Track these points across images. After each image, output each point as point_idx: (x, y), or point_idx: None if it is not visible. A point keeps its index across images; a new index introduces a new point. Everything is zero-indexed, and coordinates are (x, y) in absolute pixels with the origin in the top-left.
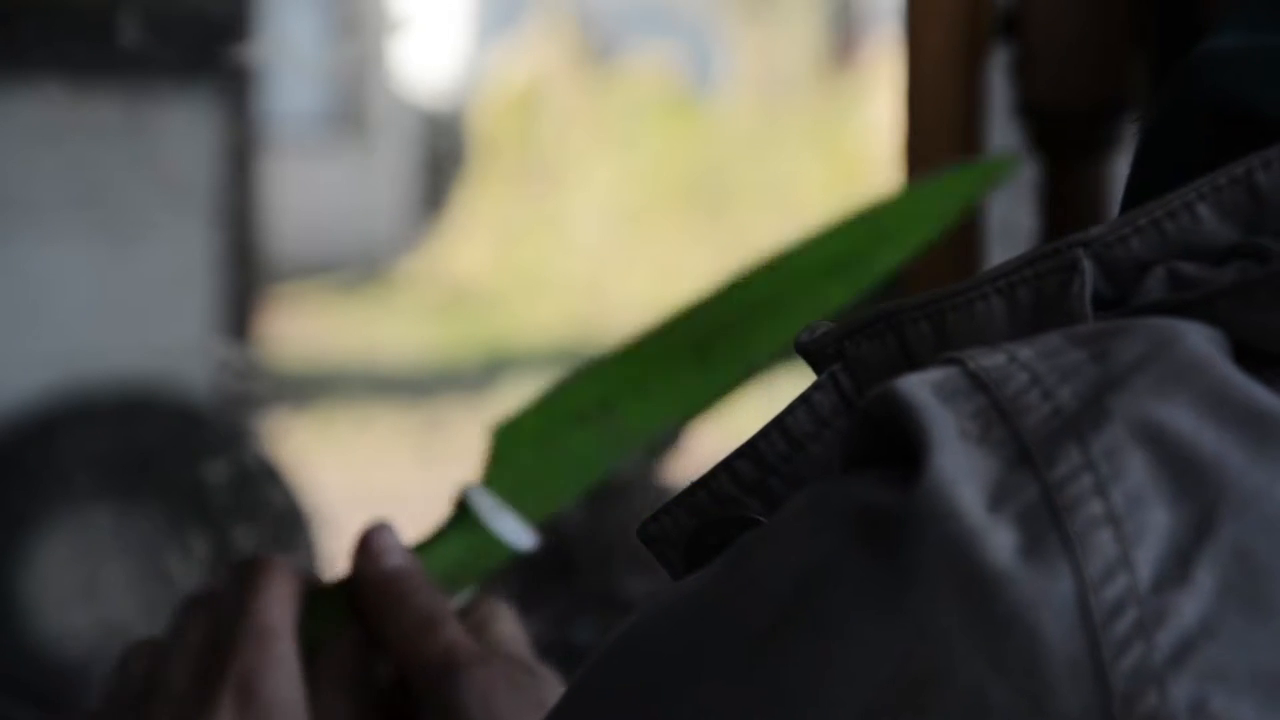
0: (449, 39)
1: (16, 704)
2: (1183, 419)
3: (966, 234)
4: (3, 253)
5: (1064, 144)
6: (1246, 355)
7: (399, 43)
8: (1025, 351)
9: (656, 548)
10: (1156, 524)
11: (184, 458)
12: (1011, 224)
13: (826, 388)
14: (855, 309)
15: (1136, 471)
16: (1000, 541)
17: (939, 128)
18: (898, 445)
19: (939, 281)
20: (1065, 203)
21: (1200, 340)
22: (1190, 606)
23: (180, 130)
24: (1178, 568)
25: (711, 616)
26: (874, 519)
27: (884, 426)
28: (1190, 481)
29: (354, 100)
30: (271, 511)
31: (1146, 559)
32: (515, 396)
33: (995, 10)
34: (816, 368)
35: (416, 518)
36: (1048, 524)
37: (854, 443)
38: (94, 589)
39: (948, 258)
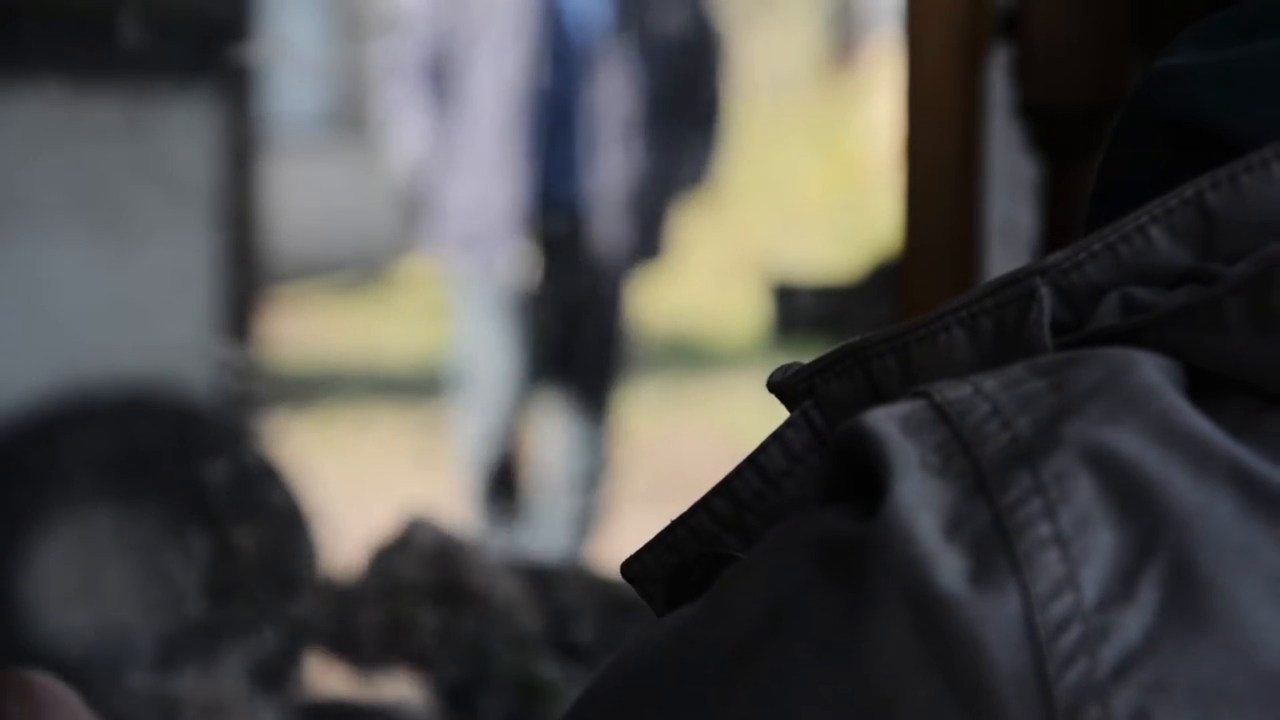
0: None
1: None
2: (1130, 443)
3: (966, 234)
4: (3, 253)
5: (1064, 144)
6: (1201, 380)
7: (399, 43)
8: (990, 383)
9: (639, 584)
10: (1102, 545)
11: (184, 458)
12: (1011, 224)
13: (799, 425)
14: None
15: (1084, 494)
16: (952, 566)
17: (939, 128)
18: (865, 477)
19: (940, 280)
20: (1065, 203)
21: (1151, 370)
22: (1134, 623)
23: (180, 130)
24: (1122, 586)
25: (689, 648)
26: (838, 549)
27: (852, 459)
28: (1135, 503)
29: (354, 100)
30: (271, 511)
31: (1092, 578)
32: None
33: (995, 10)
34: (789, 406)
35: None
36: (998, 547)
37: (828, 476)
38: (94, 589)
39: (948, 257)
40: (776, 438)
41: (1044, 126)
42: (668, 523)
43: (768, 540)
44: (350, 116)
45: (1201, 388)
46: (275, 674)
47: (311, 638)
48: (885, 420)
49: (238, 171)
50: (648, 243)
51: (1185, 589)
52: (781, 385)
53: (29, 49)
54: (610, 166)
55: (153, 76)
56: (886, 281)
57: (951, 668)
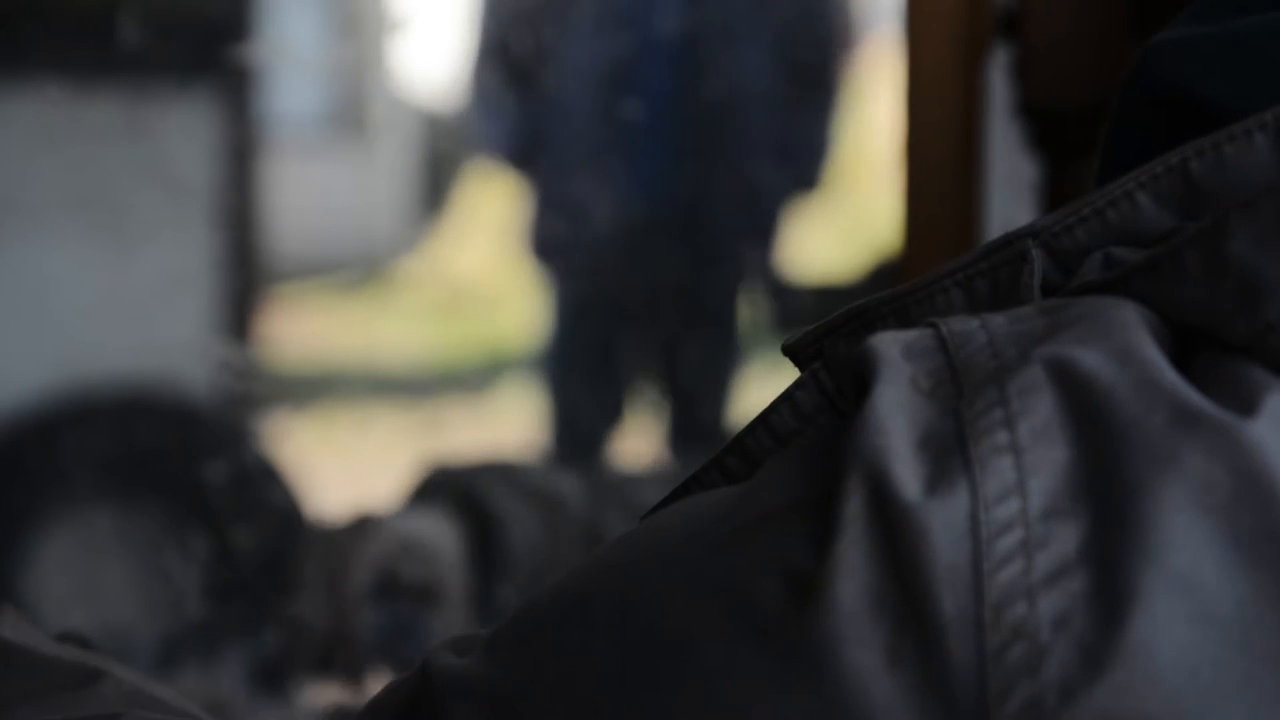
0: (449, 39)
1: None
2: (1090, 359)
3: (966, 234)
4: (3, 253)
5: (1064, 144)
6: (1181, 335)
7: (399, 43)
8: (998, 319)
9: None
10: (1055, 459)
11: (184, 458)
12: (1011, 224)
13: (808, 386)
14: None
15: (1045, 409)
16: (914, 472)
17: (939, 128)
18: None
19: None
20: (1065, 202)
21: (1129, 311)
22: (1072, 536)
23: (180, 130)
24: (1068, 501)
25: (706, 517)
26: (828, 449)
27: (859, 379)
28: (1089, 419)
29: (354, 100)
30: (271, 511)
31: (1040, 489)
32: (515, 397)
33: (995, 10)
34: (800, 368)
35: None
36: (955, 451)
37: (835, 416)
38: (94, 589)
39: (948, 257)
40: (787, 398)
41: (1044, 126)
42: (684, 480)
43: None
44: (350, 116)
45: (1179, 342)
46: (275, 674)
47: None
48: (891, 343)
49: (238, 171)
50: (761, 246)
51: (1117, 496)
52: (793, 348)
53: (29, 49)
54: (714, 169)
55: (153, 76)
56: (886, 281)
57: (896, 555)
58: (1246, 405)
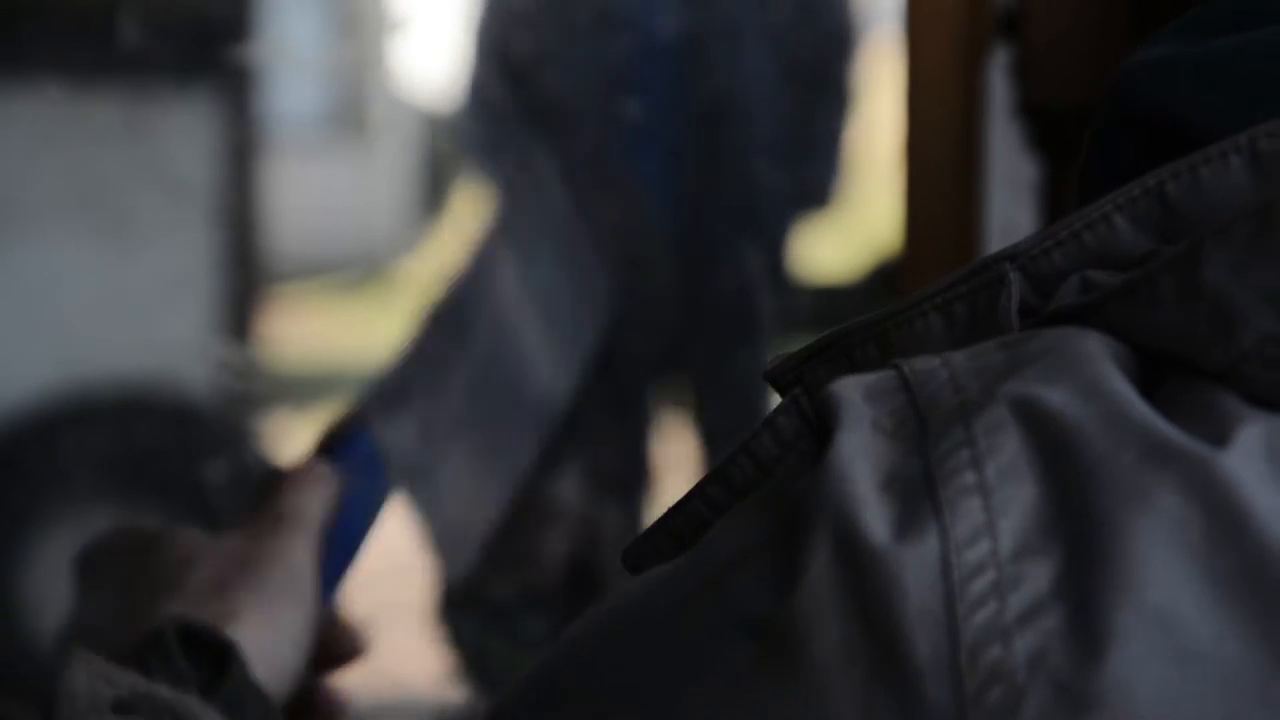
0: (449, 39)
1: (16, 704)
2: (1055, 397)
3: (966, 234)
4: (3, 253)
5: (1064, 144)
6: (1147, 361)
7: (399, 43)
8: (958, 357)
9: (640, 572)
10: (1023, 497)
11: (184, 458)
12: (1011, 224)
13: (789, 412)
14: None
15: (1011, 447)
16: (881, 514)
17: (939, 128)
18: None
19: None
20: (1065, 203)
21: (1093, 343)
22: (1044, 574)
23: (180, 131)
24: (1038, 539)
25: (661, 584)
26: (792, 497)
27: (822, 424)
28: (1057, 456)
29: (354, 100)
30: None
31: (1010, 529)
32: None
33: (995, 10)
34: (782, 394)
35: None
36: (924, 493)
37: (815, 443)
38: None
39: (948, 257)
40: (768, 424)
41: (1044, 126)
42: (665, 510)
43: (752, 496)
44: (350, 116)
45: (1148, 368)
46: None
47: None
48: (852, 387)
49: (238, 171)
50: (764, 247)
51: (1088, 533)
52: (774, 374)
53: (29, 49)
54: (716, 169)
55: (153, 76)
56: (886, 281)
57: (866, 602)
58: (1219, 436)
